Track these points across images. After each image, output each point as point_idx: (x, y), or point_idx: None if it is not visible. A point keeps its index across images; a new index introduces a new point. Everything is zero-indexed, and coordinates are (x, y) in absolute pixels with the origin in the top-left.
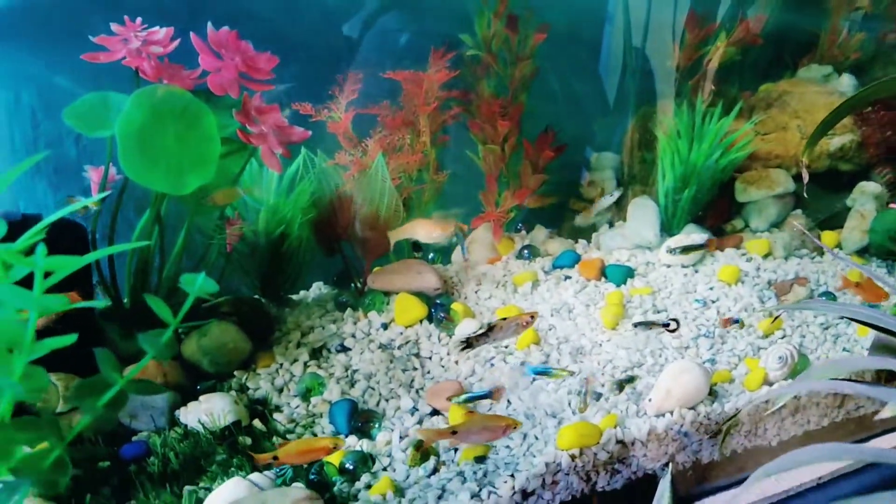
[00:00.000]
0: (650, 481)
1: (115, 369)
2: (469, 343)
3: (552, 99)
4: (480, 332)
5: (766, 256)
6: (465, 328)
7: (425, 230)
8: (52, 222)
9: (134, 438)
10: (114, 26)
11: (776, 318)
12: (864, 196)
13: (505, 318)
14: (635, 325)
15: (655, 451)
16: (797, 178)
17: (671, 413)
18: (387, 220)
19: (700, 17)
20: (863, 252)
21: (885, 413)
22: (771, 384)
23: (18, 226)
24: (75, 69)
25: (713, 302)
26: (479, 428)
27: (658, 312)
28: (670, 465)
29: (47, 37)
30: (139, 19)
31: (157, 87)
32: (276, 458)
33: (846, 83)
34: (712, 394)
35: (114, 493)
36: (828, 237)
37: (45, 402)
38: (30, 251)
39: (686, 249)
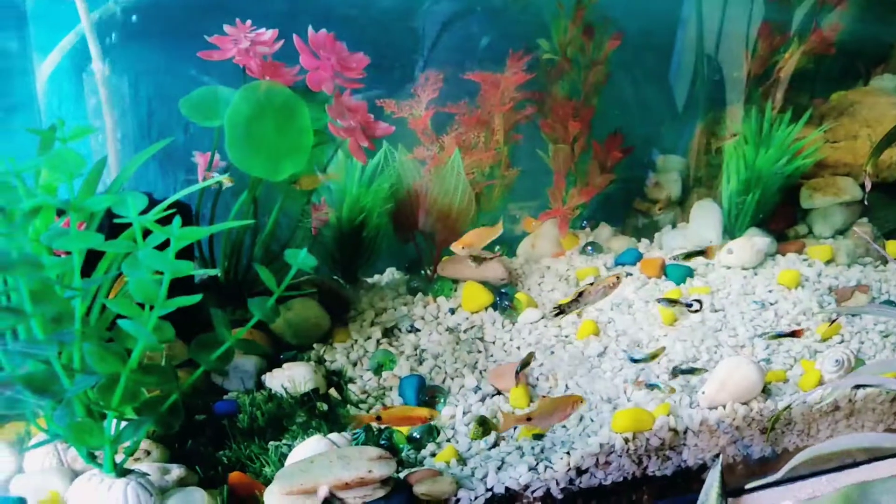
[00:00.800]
0: (701, 471)
1: (227, 328)
2: (562, 309)
3: (624, 103)
4: (571, 298)
5: (828, 263)
6: (528, 317)
7: (480, 238)
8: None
9: (225, 397)
10: (226, 27)
11: (834, 321)
12: None
13: (592, 283)
14: (658, 300)
15: (707, 441)
16: (865, 186)
17: (724, 407)
18: (460, 213)
19: (774, 26)
20: None
21: None
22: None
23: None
24: (190, 65)
25: (771, 304)
26: (551, 410)
27: (715, 312)
28: (721, 456)
29: (164, 34)
30: (248, 21)
31: (261, 82)
32: (379, 418)
33: None
34: (766, 392)
35: (209, 441)
36: (892, 247)
37: (150, 359)
38: (161, 222)
39: (688, 255)
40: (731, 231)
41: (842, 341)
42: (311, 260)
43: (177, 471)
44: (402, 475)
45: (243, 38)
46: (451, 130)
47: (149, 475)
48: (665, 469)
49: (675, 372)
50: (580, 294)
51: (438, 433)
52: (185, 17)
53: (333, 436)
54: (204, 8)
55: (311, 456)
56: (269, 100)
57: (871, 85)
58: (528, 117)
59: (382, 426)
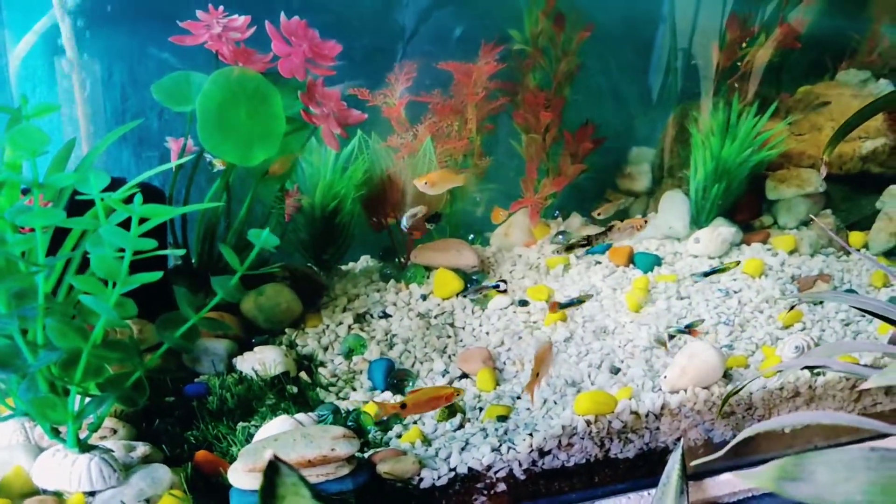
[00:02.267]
0: (663, 454)
1: (192, 306)
2: (589, 241)
3: (597, 94)
4: (600, 232)
5: (791, 253)
6: (498, 303)
7: (443, 179)
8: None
9: (196, 380)
10: (199, 13)
11: (792, 307)
12: (893, 199)
13: (623, 220)
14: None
15: (668, 425)
16: (828, 178)
17: (685, 391)
18: (431, 200)
19: (742, 19)
20: (890, 254)
21: (869, 384)
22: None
23: (108, 188)
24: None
25: (735, 293)
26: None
27: (681, 299)
28: (682, 440)
29: (138, 18)
30: (221, 7)
31: (233, 68)
32: (403, 406)
33: (883, 88)
34: (727, 377)
35: (178, 422)
36: (855, 238)
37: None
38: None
39: (570, 248)
40: (697, 221)
41: (803, 329)
42: (273, 239)
43: (142, 448)
44: (366, 455)
45: (215, 23)
46: (424, 119)
47: (113, 451)
48: (627, 452)
49: (662, 342)
50: (609, 228)
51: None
52: (159, 2)
53: (300, 416)
54: None
55: (276, 434)
56: (241, 86)
57: (836, 79)
58: (501, 107)
59: (406, 416)
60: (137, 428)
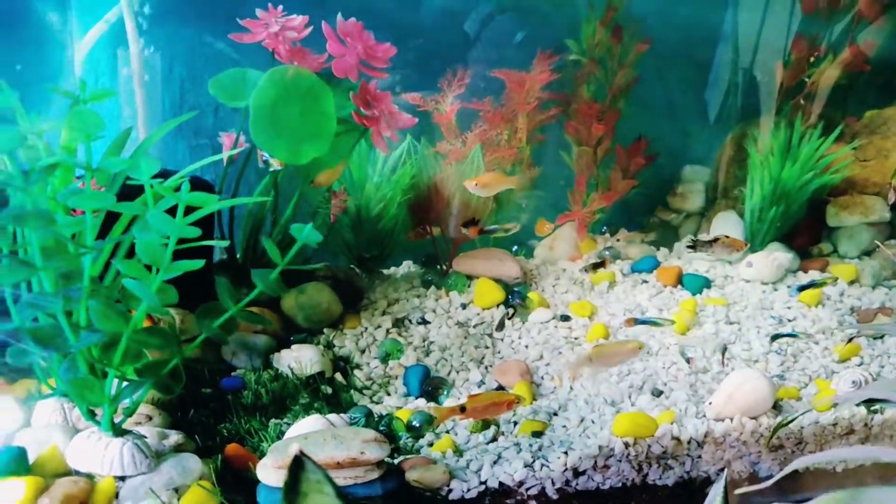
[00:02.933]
0: (704, 484)
1: (232, 297)
2: (693, 245)
3: (653, 109)
4: (707, 240)
5: (851, 283)
6: (539, 316)
7: (496, 181)
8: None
9: (233, 374)
10: (258, 11)
11: (850, 340)
12: None
13: (727, 236)
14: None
15: (711, 454)
16: (894, 207)
17: (731, 419)
18: (477, 209)
19: (809, 39)
20: None
21: None
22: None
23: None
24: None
25: (789, 321)
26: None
27: (730, 324)
28: (725, 470)
29: (200, 15)
30: (280, 7)
31: (289, 67)
32: (463, 409)
33: None
34: (777, 408)
35: (212, 414)
36: None
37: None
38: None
39: (594, 266)
40: (752, 244)
41: (861, 363)
42: (316, 235)
43: (175, 437)
44: (396, 461)
45: (274, 22)
46: (475, 127)
47: (146, 437)
48: (666, 479)
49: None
50: (716, 239)
51: (439, 424)
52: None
53: (332, 416)
54: None
55: (307, 432)
56: (294, 84)
57: None
58: (553, 118)
59: (465, 419)
60: (172, 416)
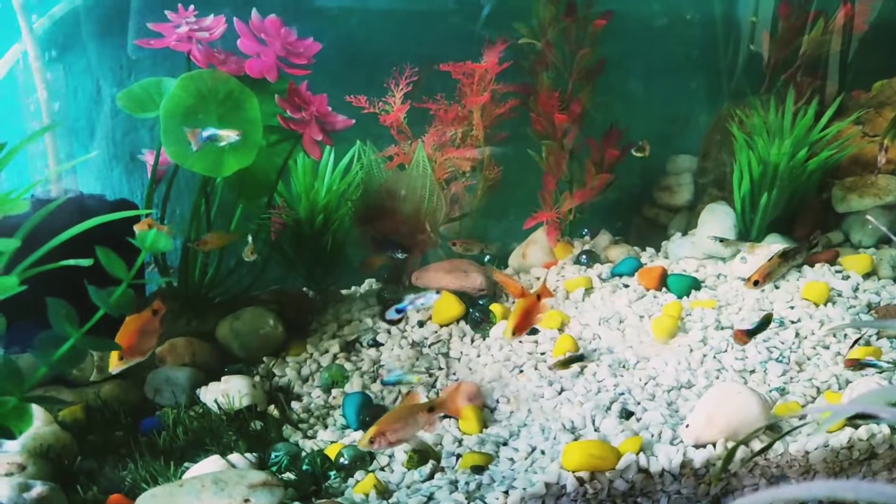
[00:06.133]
0: None
1: (71, 323)
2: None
3: (632, 95)
4: (772, 267)
5: (867, 276)
6: (502, 331)
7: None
8: (114, 201)
9: (157, 413)
10: (168, 13)
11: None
12: None
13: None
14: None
15: (692, 488)
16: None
17: (713, 445)
18: (429, 215)
19: (797, 5)
20: None
21: None
22: (857, 426)
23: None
24: (156, 59)
25: (793, 323)
26: (396, 422)
27: (721, 329)
28: None
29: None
30: (192, 7)
31: (204, 71)
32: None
33: None
34: (774, 428)
35: (119, 460)
36: None
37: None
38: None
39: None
40: (745, 237)
41: (881, 371)
42: (165, 242)
43: (39, 489)
44: None
45: (183, 23)
46: (428, 128)
47: None
48: None
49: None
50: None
51: (373, 460)
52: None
53: (233, 457)
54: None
55: (183, 479)
56: (212, 90)
57: None
58: (513, 111)
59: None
60: (57, 465)
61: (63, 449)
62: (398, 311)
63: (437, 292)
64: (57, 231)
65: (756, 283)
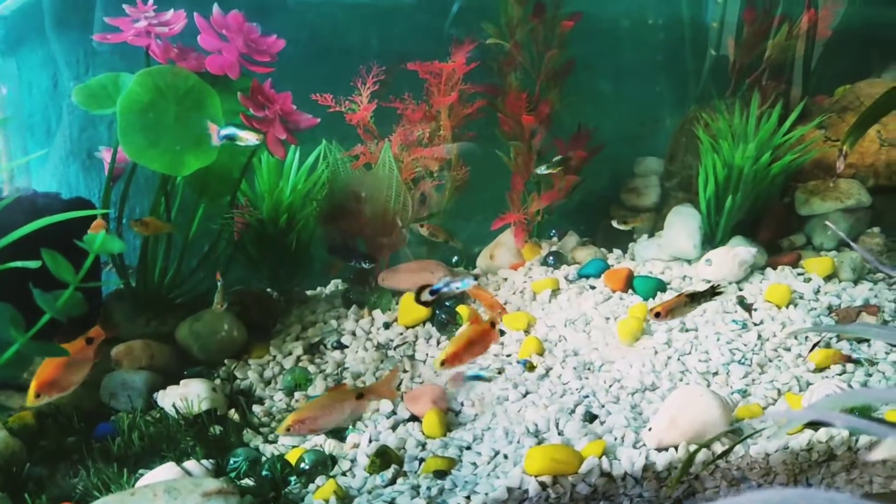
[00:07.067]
0: None
1: (16, 327)
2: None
3: (601, 97)
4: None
5: (828, 278)
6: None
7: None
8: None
9: (113, 418)
10: (127, 7)
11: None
12: None
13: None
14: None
15: (654, 491)
16: (875, 190)
17: (675, 448)
18: (395, 214)
19: (761, 10)
20: None
21: (877, 454)
22: (817, 428)
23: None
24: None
25: (755, 325)
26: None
27: (686, 331)
28: None
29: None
30: (150, 1)
31: (163, 67)
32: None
33: None
34: (736, 432)
35: (71, 466)
36: None
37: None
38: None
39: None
40: (711, 239)
41: (842, 372)
42: (115, 244)
43: None
44: None
45: (142, 18)
46: (395, 127)
47: None
48: None
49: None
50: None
51: (335, 464)
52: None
53: (189, 464)
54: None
55: (135, 488)
56: (171, 86)
57: (883, 77)
58: (481, 111)
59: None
60: (6, 473)
61: (11, 456)
62: (432, 293)
63: (475, 278)
64: (6, 231)
65: (657, 315)
